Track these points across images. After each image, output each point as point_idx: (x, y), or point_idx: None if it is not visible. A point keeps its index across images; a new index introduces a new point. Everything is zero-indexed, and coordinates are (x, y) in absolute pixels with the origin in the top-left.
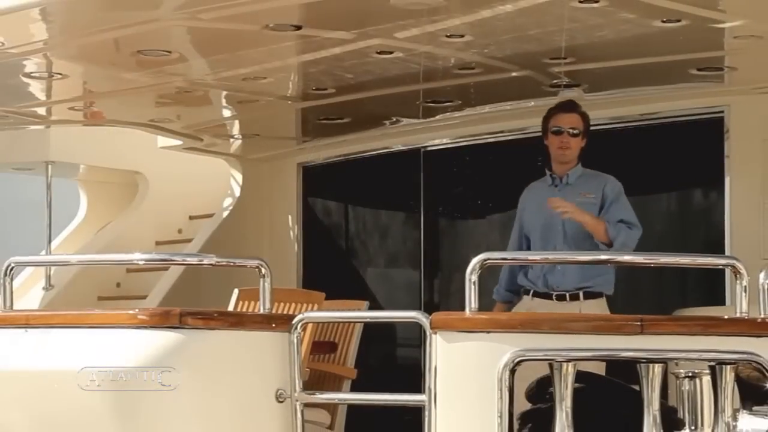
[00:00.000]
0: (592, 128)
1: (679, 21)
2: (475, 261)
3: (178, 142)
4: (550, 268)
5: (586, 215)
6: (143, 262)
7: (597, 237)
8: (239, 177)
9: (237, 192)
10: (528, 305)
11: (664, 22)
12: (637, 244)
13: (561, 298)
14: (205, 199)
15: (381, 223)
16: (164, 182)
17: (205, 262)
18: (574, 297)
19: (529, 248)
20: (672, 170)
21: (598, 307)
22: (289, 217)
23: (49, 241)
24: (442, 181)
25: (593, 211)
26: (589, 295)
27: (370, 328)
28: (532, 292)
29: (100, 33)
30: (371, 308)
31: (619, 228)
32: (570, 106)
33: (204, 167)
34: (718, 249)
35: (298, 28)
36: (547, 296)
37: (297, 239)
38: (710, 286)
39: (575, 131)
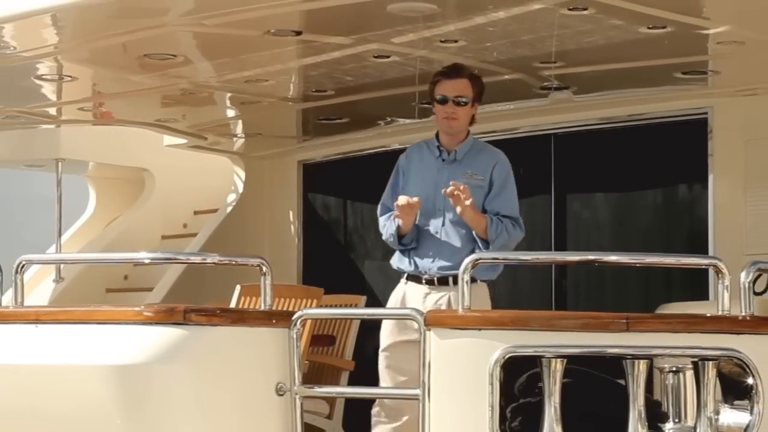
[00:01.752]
0: (581, 128)
1: (664, 27)
2: (467, 261)
3: (183, 140)
4: (422, 251)
5: (468, 210)
6: (149, 260)
7: (476, 232)
8: (242, 174)
9: (240, 188)
10: (402, 290)
11: (650, 28)
12: (612, 238)
13: (430, 282)
14: (209, 194)
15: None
16: (170, 179)
17: (209, 260)
18: (443, 282)
19: None
20: (658, 168)
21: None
22: (290, 212)
23: (59, 235)
24: None
25: (479, 195)
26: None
27: (367, 320)
28: (406, 275)
29: (109, 38)
30: (369, 302)
31: (501, 229)
32: (456, 71)
33: (208, 164)
34: (702, 244)
35: (299, 33)
36: (418, 280)
37: (297, 233)
38: (694, 282)
39: (463, 100)
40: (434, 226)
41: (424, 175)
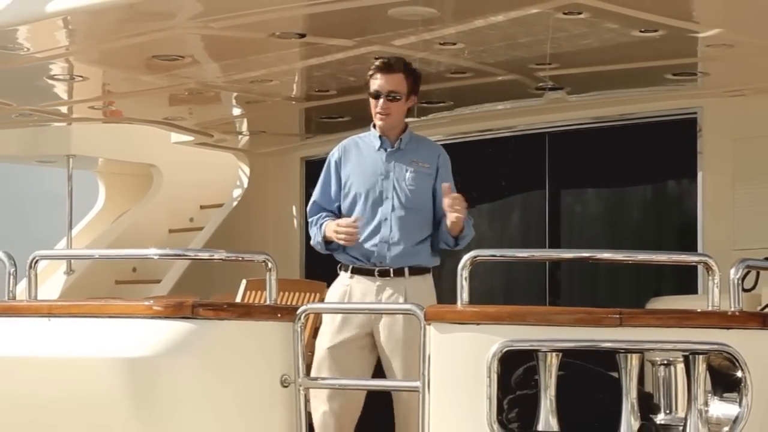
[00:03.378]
0: (575, 127)
1: (656, 31)
2: (465, 258)
3: (189, 137)
4: (371, 242)
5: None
6: (158, 257)
7: (452, 232)
8: (247, 170)
9: (245, 184)
10: (346, 284)
11: (642, 32)
12: (605, 233)
13: (384, 274)
14: (215, 189)
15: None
16: (177, 174)
17: (216, 257)
18: (399, 273)
19: (349, 210)
20: (649, 166)
21: (424, 283)
22: (293, 207)
23: (70, 228)
24: None
25: (428, 182)
26: (415, 271)
27: None
28: (351, 267)
29: (120, 40)
30: None
31: (469, 227)
32: (389, 67)
33: (214, 161)
34: (691, 239)
35: (303, 36)
36: (368, 273)
37: (300, 227)
38: (684, 275)
39: (395, 96)
40: (382, 214)
41: (367, 166)
